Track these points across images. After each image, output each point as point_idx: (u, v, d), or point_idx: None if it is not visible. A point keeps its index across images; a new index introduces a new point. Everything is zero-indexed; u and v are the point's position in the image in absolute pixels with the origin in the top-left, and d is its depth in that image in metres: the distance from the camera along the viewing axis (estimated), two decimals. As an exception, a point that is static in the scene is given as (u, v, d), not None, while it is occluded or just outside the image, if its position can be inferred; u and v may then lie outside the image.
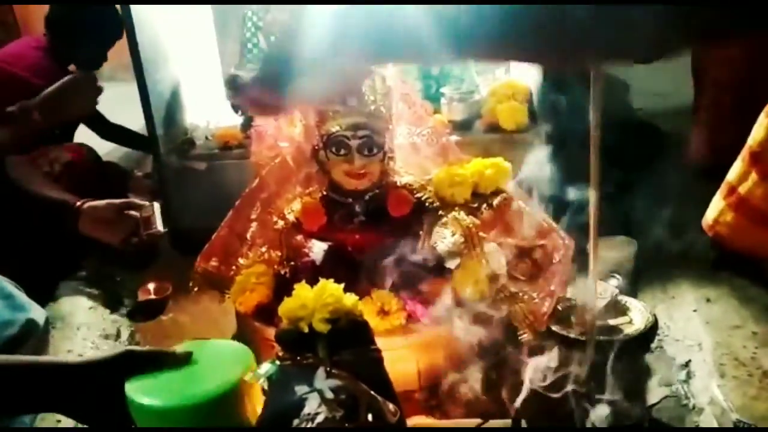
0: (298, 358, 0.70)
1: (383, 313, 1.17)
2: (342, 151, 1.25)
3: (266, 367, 0.71)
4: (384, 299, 1.19)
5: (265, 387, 0.68)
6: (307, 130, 1.34)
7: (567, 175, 1.73)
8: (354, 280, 1.26)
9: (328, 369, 0.66)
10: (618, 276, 1.52)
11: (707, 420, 1.01)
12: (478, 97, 1.88)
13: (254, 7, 1.92)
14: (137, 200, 1.46)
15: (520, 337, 1.25)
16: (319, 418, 0.62)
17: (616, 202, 1.77)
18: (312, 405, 0.62)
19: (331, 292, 0.77)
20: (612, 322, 1.38)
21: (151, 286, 1.62)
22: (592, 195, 1.16)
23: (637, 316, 1.39)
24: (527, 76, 1.90)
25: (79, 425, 0.77)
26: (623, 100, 2.48)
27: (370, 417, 0.63)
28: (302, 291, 0.78)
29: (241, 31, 1.94)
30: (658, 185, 1.83)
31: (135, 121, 2.34)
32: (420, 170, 1.37)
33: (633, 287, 1.53)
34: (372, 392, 0.65)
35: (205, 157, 1.85)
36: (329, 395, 0.63)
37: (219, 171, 1.82)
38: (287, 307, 0.76)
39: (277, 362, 0.71)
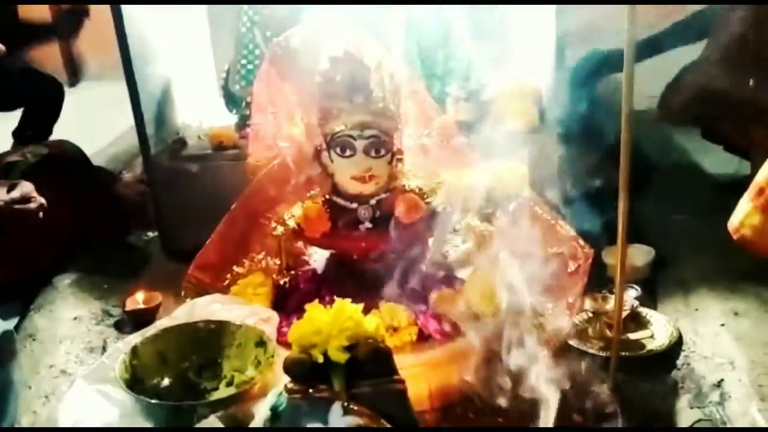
0: (311, 390, 0.61)
1: (392, 328, 1.08)
2: (347, 152, 1.17)
3: (273, 400, 0.62)
4: (393, 313, 1.10)
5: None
6: (309, 130, 1.25)
7: (581, 178, 1.66)
8: (359, 291, 1.17)
9: (345, 404, 0.57)
10: (636, 287, 1.44)
11: (749, 448, 0.93)
12: (485, 96, 1.79)
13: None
14: None
15: (538, 353, 1.16)
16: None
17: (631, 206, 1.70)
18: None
19: (349, 314, 0.67)
20: (633, 336, 1.30)
21: (139, 295, 1.52)
22: (621, 198, 1.08)
23: (659, 330, 1.31)
24: (536, 75, 1.82)
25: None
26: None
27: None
28: (316, 314, 0.69)
29: (236, 25, 1.85)
30: (674, 189, 1.76)
31: (124, 121, 2.23)
32: (429, 173, 1.28)
33: (652, 299, 1.45)
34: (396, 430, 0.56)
35: (198, 158, 1.75)
36: (346, 434, 0.54)
37: (212, 173, 1.72)
38: (299, 332, 0.66)
39: (286, 395, 0.62)
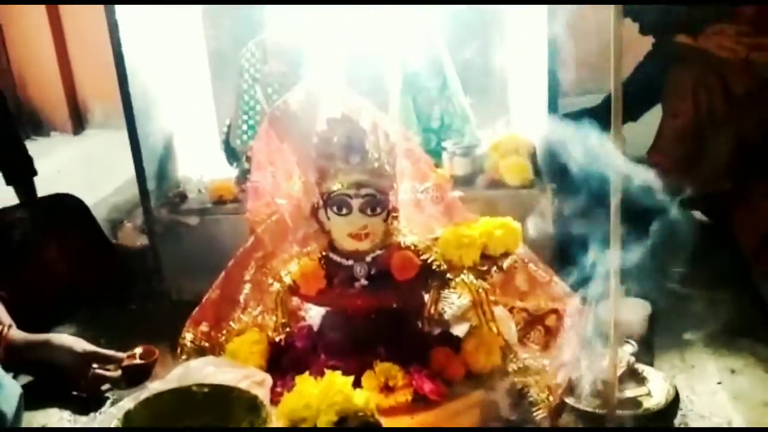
0: (300, 463, 0.61)
1: (387, 388, 1.08)
2: (343, 211, 1.19)
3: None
4: (388, 373, 1.10)
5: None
6: (307, 187, 1.27)
7: (576, 233, 1.68)
8: (354, 349, 1.18)
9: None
10: (632, 342, 1.44)
11: None
12: (480, 151, 1.83)
13: (252, 58, 1.88)
14: (108, 353, 1.41)
15: (534, 413, 1.15)
16: None
17: (626, 261, 1.71)
18: None
19: (339, 388, 0.68)
20: (629, 393, 1.29)
21: (136, 350, 1.51)
22: (612, 254, 1.09)
23: (656, 387, 1.30)
24: (530, 130, 1.86)
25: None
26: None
27: None
28: (306, 386, 0.69)
29: (237, 81, 1.90)
30: (670, 243, 1.77)
31: (126, 171, 2.26)
32: (424, 230, 1.30)
33: (648, 355, 1.45)
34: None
35: (198, 211, 1.77)
36: None
37: (212, 226, 1.74)
38: (288, 406, 0.67)
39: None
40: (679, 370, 1.35)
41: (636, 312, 1.54)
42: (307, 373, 0.73)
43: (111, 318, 1.72)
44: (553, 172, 1.67)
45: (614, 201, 1.10)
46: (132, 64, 1.71)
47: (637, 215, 1.88)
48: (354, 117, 1.23)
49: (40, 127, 3.95)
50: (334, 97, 1.29)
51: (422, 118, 1.89)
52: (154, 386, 0.91)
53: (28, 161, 1.97)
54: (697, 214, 1.93)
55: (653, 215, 1.92)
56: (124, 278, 1.87)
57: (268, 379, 0.92)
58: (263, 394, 0.88)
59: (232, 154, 1.92)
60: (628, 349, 1.42)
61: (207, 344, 1.28)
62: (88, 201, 2.06)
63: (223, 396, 0.88)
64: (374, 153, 1.20)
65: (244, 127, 1.88)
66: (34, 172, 1.98)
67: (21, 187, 1.95)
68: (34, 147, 2.14)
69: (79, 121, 4.09)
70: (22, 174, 1.95)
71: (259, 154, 1.35)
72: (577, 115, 1.78)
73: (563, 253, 1.65)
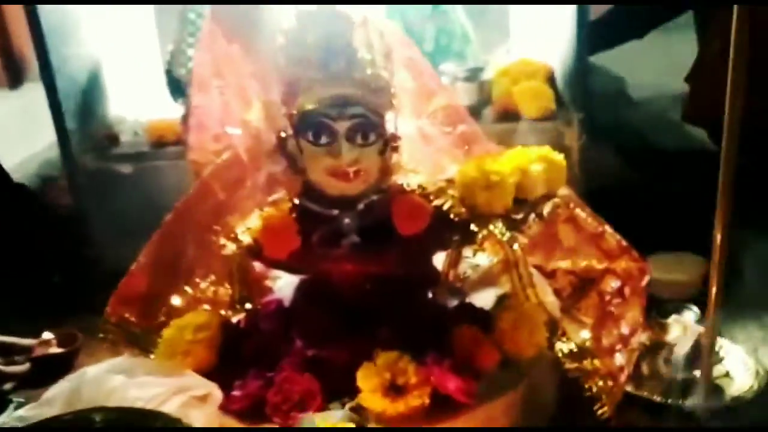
0: None
1: (395, 389, 0.75)
2: (323, 139, 0.84)
3: None
4: (396, 366, 0.77)
5: None
6: (269, 109, 0.92)
7: (609, 174, 1.40)
8: (344, 332, 0.85)
9: None
10: (694, 308, 1.14)
11: None
12: (486, 76, 1.49)
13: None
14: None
15: (596, 411, 0.85)
16: None
17: (669, 206, 1.41)
18: None
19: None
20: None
21: (52, 336, 1.19)
22: (721, 192, 0.78)
23: (735, 365, 1.01)
24: (546, 52, 1.53)
25: None
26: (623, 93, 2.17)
27: None
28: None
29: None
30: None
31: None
32: (433, 167, 0.96)
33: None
34: None
35: (132, 156, 1.44)
36: None
37: (150, 175, 1.43)
38: None
39: None
40: (759, 341, 1.06)
41: (689, 269, 1.26)
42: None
43: (26, 295, 1.39)
44: (580, 99, 1.37)
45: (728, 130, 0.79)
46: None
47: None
48: (335, 8, 0.87)
49: (-28, 82, 3.54)
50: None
51: (413, 38, 1.55)
52: (21, 413, 0.56)
53: None
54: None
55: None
56: (45, 244, 1.53)
57: (215, 393, 0.59)
58: (206, 418, 0.55)
59: (177, 87, 1.57)
60: (690, 317, 1.13)
61: (137, 329, 0.93)
62: (18, 156, 1.80)
63: (138, 426, 0.54)
64: (366, 55, 0.84)
65: (190, 52, 1.53)
66: None
67: None
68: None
69: (16, 75, 3.70)
70: None
71: (202, 67, 0.99)
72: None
73: (592, 199, 1.38)
